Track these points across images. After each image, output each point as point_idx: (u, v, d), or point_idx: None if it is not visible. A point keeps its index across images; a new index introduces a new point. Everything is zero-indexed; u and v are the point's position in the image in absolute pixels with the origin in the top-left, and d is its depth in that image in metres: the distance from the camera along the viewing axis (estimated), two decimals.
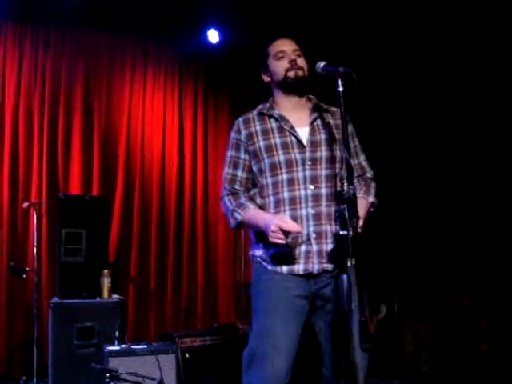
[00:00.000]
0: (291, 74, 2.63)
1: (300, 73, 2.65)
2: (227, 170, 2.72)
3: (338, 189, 2.51)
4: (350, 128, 2.76)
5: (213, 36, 6.39)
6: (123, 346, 4.38)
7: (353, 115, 2.68)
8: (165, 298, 6.27)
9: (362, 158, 2.84)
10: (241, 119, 2.74)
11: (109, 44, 6.39)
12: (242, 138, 2.68)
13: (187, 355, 4.63)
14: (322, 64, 2.46)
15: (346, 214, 2.19)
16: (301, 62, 2.67)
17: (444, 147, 6.79)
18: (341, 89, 2.31)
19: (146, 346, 4.32)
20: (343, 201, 2.30)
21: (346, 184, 2.23)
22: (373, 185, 2.80)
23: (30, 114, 5.94)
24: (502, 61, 5.96)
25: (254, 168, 2.66)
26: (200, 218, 6.56)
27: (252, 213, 2.59)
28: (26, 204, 5.39)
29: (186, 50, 6.69)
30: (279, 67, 2.67)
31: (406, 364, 6.25)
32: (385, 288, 6.59)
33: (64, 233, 4.98)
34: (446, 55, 6.27)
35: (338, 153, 2.60)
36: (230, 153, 2.73)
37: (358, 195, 2.66)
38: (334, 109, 2.72)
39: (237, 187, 2.68)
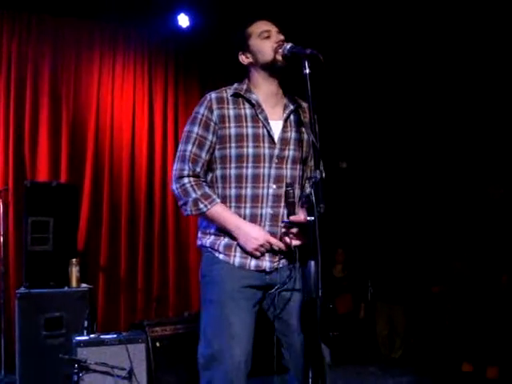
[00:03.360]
0: (280, 57, 2.46)
1: (288, 55, 2.46)
2: (190, 148, 2.48)
3: (288, 190, 2.46)
4: (317, 128, 2.68)
5: (183, 21, 6.29)
6: (92, 335, 4.32)
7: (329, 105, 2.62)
8: (135, 287, 6.20)
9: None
10: (213, 96, 2.52)
11: (76, 28, 6.24)
12: (214, 118, 2.48)
13: (158, 344, 4.58)
14: (288, 46, 2.42)
15: (313, 199, 2.14)
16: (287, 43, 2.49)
17: (418, 145, 6.87)
18: (307, 71, 2.26)
19: (115, 336, 4.28)
20: (289, 204, 2.40)
21: (312, 169, 2.18)
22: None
23: None
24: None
25: (217, 153, 2.49)
26: (170, 205, 6.46)
27: (220, 211, 2.45)
28: None
29: (155, 34, 6.59)
30: (266, 47, 2.50)
31: (379, 350, 6.30)
32: (358, 274, 6.64)
33: (31, 221, 4.85)
34: (429, 41, 6.30)
35: (303, 154, 2.55)
36: (196, 129, 2.49)
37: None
38: (304, 104, 2.62)
39: (198, 169, 2.48)
